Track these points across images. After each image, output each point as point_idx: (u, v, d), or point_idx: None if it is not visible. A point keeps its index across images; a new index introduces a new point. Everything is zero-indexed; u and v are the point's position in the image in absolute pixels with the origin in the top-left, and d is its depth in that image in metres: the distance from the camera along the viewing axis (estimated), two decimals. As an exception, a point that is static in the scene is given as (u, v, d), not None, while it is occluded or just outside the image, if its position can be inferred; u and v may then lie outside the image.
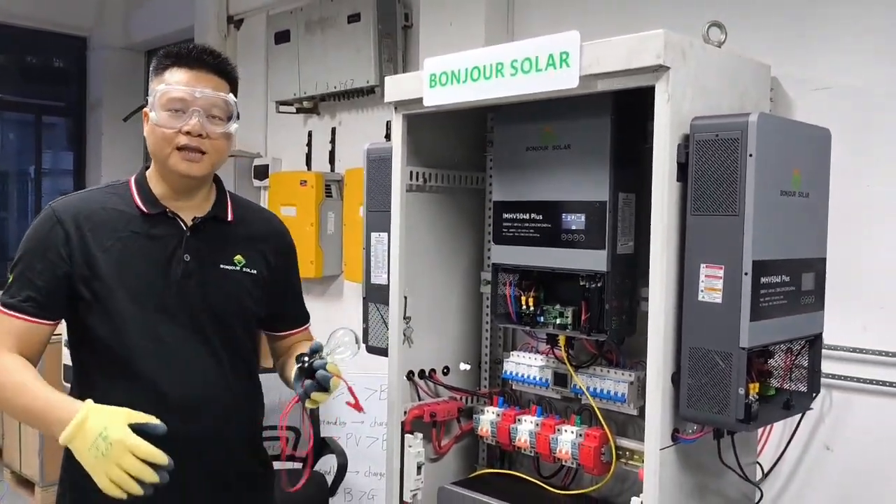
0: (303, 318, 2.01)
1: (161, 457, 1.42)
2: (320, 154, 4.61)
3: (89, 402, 1.50)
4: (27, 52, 6.53)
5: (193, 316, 1.71)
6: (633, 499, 1.72)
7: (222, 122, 1.70)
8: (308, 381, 1.62)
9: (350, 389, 1.65)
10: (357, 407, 1.70)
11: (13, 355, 1.62)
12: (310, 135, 4.67)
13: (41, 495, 4.59)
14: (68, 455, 1.72)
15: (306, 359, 1.64)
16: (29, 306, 1.64)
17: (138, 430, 1.44)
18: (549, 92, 1.81)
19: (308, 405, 1.65)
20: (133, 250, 1.68)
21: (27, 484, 4.78)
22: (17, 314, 1.64)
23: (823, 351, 2.12)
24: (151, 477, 1.41)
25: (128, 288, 1.66)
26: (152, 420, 1.47)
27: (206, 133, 1.67)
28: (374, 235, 2.30)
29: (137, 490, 1.41)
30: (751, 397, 1.63)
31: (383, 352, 2.26)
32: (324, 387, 1.59)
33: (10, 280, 1.68)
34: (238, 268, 1.78)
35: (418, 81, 2.07)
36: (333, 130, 4.53)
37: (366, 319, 2.34)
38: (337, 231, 4.40)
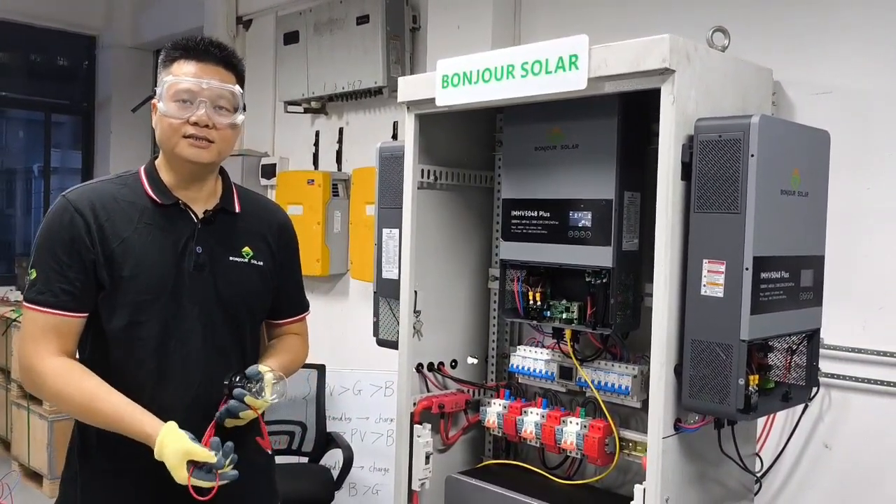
0: (301, 307, 2.00)
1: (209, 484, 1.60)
2: (327, 154, 4.67)
3: (162, 435, 1.59)
4: (37, 51, 6.59)
5: (204, 308, 1.73)
6: (637, 486, 1.78)
7: (229, 113, 1.73)
8: (224, 407, 1.68)
9: (263, 428, 1.76)
10: (266, 445, 1.78)
11: (65, 360, 1.64)
12: (317, 134, 4.72)
13: (49, 488, 4.64)
14: (81, 454, 1.74)
15: (236, 380, 1.69)
16: (66, 301, 1.63)
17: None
18: (559, 93, 1.87)
19: (226, 424, 1.69)
20: (147, 242, 1.69)
21: (36, 477, 4.83)
22: (54, 310, 1.63)
23: (823, 351, 2.18)
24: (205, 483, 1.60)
25: (141, 280, 1.68)
26: (210, 460, 1.59)
27: (213, 123, 1.70)
28: (385, 231, 2.36)
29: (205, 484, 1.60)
30: (751, 388, 1.69)
31: (393, 344, 2.32)
32: (233, 415, 1.68)
33: (32, 276, 1.66)
34: (246, 259, 1.80)
35: (430, 82, 2.13)
36: (341, 130, 4.59)
37: (376, 313, 2.40)
38: (343, 230, 4.46)
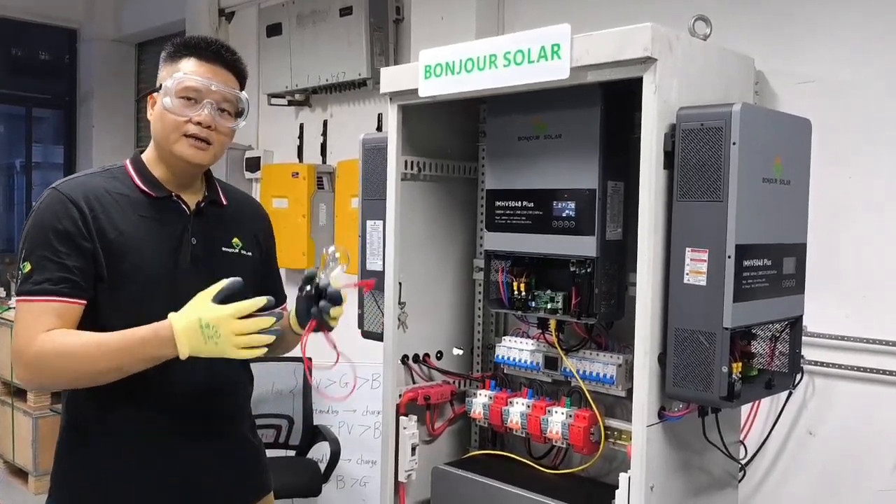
0: (283, 298, 2.01)
1: (258, 302, 1.51)
2: (312, 146, 4.65)
3: (171, 315, 1.53)
4: (18, 45, 6.52)
5: None
6: (622, 475, 1.78)
7: (230, 117, 1.74)
8: (323, 302, 1.65)
9: (358, 284, 1.74)
10: (369, 284, 1.78)
11: (56, 330, 1.57)
12: (301, 127, 4.70)
13: (34, 484, 4.63)
14: (66, 469, 1.70)
15: (308, 287, 1.67)
16: (64, 287, 1.58)
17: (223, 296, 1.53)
18: (541, 83, 1.86)
19: (331, 323, 1.67)
20: (142, 235, 1.68)
21: (21, 473, 4.81)
22: (51, 297, 1.57)
23: (807, 339, 2.19)
24: (267, 322, 1.51)
25: (140, 273, 1.66)
26: (222, 284, 1.54)
27: (215, 126, 1.70)
28: (369, 223, 2.36)
29: (267, 339, 1.51)
30: (734, 376, 1.69)
31: (378, 336, 2.31)
32: (336, 302, 1.65)
33: (26, 269, 1.60)
34: (237, 250, 1.82)
35: (413, 72, 2.12)
36: (325, 123, 4.57)
37: (361, 305, 2.39)
38: (329, 222, 4.44)
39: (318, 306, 1.65)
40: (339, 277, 1.67)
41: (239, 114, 1.76)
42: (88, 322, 1.64)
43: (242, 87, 1.78)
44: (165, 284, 1.68)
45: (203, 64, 1.71)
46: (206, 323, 1.50)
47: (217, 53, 1.73)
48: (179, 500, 1.73)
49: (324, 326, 1.66)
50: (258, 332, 1.51)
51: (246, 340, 1.50)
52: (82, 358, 1.55)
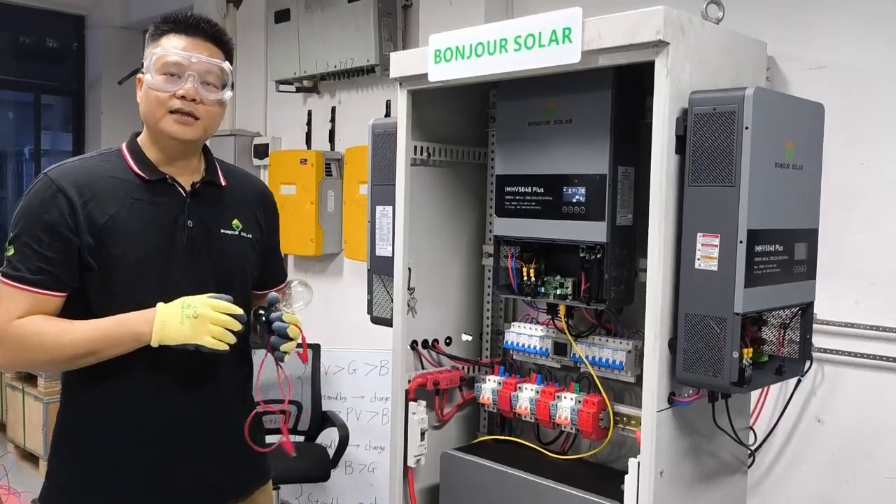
0: (283, 276, 2.02)
1: (235, 308, 1.64)
2: (320, 133, 4.64)
3: (159, 304, 1.62)
4: (25, 32, 6.52)
5: (199, 283, 1.71)
6: (631, 459, 1.78)
7: (216, 90, 1.72)
8: (273, 338, 1.72)
9: (303, 339, 1.77)
10: (304, 357, 1.81)
11: (35, 316, 1.61)
12: (309, 114, 4.70)
13: (45, 469, 4.65)
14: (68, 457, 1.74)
15: (262, 312, 1.74)
16: (42, 279, 1.60)
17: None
18: (552, 67, 1.85)
19: (280, 356, 1.74)
20: (136, 218, 1.67)
21: (31, 458, 4.84)
22: (28, 287, 1.60)
23: (816, 326, 2.18)
24: (236, 324, 1.63)
25: (132, 257, 1.65)
26: (233, 310, 1.65)
27: (200, 98, 1.68)
28: (378, 209, 2.35)
29: (232, 339, 1.63)
30: (744, 362, 1.69)
31: (387, 322, 2.32)
32: (285, 336, 1.72)
33: (10, 251, 1.62)
34: (237, 232, 1.80)
35: (423, 57, 2.11)
36: (333, 109, 4.56)
37: (370, 291, 2.40)
38: (337, 209, 4.45)
39: (268, 340, 1.72)
40: (299, 312, 1.76)
41: (225, 85, 1.74)
42: (81, 310, 1.65)
43: (229, 58, 1.76)
44: (158, 269, 1.67)
45: (183, 38, 1.70)
46: (187, 303, 1.61)
47: (196, 26, 1.72)
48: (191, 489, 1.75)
49: (277, 357, 1.74)
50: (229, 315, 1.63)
51: (220, 330, 1.61)
52: (52, 345, 1.60)
